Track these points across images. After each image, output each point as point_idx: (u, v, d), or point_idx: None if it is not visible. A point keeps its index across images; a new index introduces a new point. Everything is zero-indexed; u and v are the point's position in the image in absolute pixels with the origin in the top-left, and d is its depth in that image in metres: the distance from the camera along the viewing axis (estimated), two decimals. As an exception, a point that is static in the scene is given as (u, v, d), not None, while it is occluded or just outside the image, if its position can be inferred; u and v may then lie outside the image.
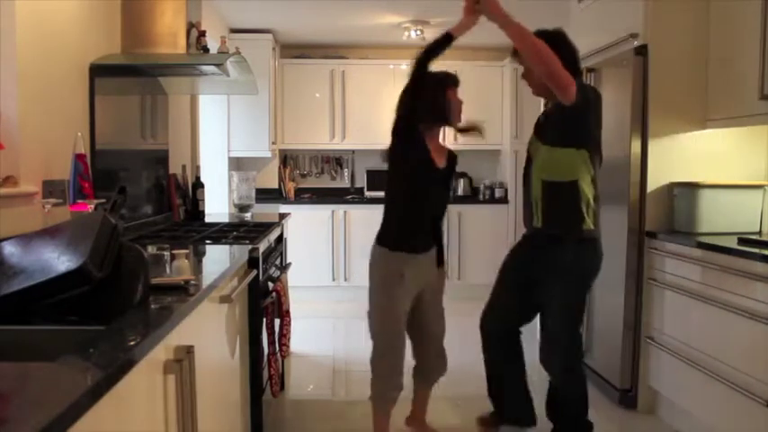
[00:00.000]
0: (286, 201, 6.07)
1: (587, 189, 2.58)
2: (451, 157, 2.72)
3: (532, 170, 2.69)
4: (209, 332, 1.93)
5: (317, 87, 6.23)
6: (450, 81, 2.62)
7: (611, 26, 3.55)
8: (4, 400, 0.94)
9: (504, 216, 6.07)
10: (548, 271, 2.66)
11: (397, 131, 2.56)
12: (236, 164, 5.82)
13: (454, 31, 2.58)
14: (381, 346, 2.67)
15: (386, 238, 2.63)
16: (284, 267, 3.47)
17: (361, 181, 6.49)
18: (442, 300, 2.83)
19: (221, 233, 2.96)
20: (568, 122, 2.56)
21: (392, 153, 2.60)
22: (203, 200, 3.71)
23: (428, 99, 2.55)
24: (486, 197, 6.28)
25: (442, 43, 2.55)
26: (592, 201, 2.59)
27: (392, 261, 2.61)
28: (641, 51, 3.21)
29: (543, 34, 2.63)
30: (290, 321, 3.09)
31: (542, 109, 3.01)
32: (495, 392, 2.95)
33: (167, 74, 3.30)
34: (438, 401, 3.41)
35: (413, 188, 2.60)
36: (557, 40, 2.60)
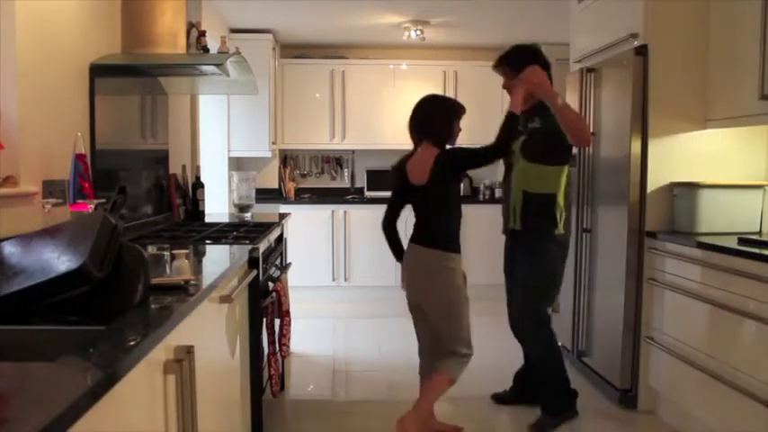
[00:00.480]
0: (286, 201, 6.07)
1: (562, 200, 3.00)
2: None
3: (513, 178, 3.08)
4: (209, 332, 1.93)
5: (317, 87, 6.23)
6: (462, 112, 2.90)
7: (611, 26, 3.55)
8: (4, 400, 0.94)
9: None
10: (522, 255, 3.10)
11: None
12: (236, 164, 5.82)
13: (514, 109, 2.80)
14: (468, 338, 2.86)
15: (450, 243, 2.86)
16: (284, 267, 3.47)
17: (361, 181, 6.49)
18: None
19: (221, 233, 2.96)
20: (554, 145, 2.95)
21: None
22: (203, 200, 3.71)
23: (443, 124, 2.84)
24: (486, 197, 6.29)
25: (513, 124, 2.80)
26: (564, 210, 3.01)
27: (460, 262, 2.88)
28: (641, 51, 3.21)
29: (531, 51, 3.05)
30: (290, 321, 3.09)
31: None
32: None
33: (167, 74, 3.30)
34: (439, 402, 3.41)
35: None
36: (539, 57, 3.01)
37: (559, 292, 3.24)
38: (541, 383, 3.18)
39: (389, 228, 2.98)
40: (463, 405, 3.37)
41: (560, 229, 3.00)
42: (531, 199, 3.01)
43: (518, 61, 2.98)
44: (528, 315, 3.11)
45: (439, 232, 2.83)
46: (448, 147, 2.86)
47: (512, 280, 3.23)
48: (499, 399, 3.41)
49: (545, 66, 2.99)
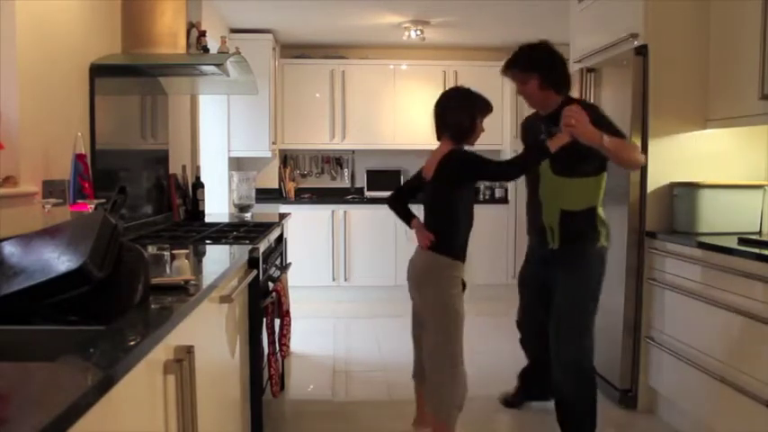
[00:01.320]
0: (286, 201, 6.07)
1: (601, 210, 2.74)
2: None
3: (544, 196, 2.80)
4: (209, 332, 1.93)
5: (317, 87, 6.23)
6: (487, 110, 2.71)
7: (611, 26, 3.55)
8: (4, 400, 0.94)
9: (505, 216, 6.07)
10: (565, 276, 2.77)
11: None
12: (236, 164, 5.82)
13: (552, 148, 2.51)
14: (460, 352, 2.65)
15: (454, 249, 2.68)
16: (284, 267, 3.47)
17: (362, 181, 6.49)
18: None
19: (221, 233, 2.96)
20: (584, 152, 2.57)
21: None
22: (203, 200, 3.71)
23: (462, 118, 2.66)
24: (487, 197, 6.28)
25: (541, 157, 2.61)
26: (606, 220, 2.75)
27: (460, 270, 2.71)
28: (641, 51, 3.21)
29: (541, 51, 2.72)
30: (290, 321, 3.09)
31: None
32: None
33: (167, 74, 3.30)
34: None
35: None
36: (552, 57, 2.72)
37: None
38: (568, 417, 2.85)
39: (393, 202, 2.92)
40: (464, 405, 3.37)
41: (603, 242, 2.73)
42: (567, 216, 2.73)
43: (529, 65, 2.70)
44: (576, 348, 2.76)
45: (439, 234, 2.66)
46: (466, 147, 2.70)
47: (547, 309, 2.86)
48: (508, 403, 3.34)
49: (560, 63, 2.72)
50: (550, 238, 2.79)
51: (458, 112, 2.66)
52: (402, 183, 2.84)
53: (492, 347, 4.09)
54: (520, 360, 3.38)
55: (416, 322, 2.80)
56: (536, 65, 2.69)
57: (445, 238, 2.66)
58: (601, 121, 2.57)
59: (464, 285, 2.70)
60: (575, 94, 3.84)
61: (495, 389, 3.44)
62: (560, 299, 2.78)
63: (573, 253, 2.76)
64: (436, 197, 2.72)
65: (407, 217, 2.88)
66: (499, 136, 6.20)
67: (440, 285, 2.62)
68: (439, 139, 2.73)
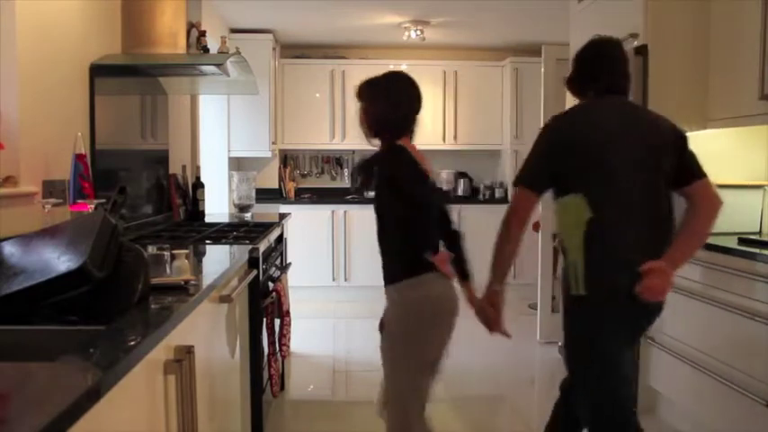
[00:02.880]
0: (286, 201, 6.07)
1: (573, 249, 2.11)
2: None
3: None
4: (209, 332, 1.93)
5: (317, 87, 6.23)
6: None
7: (610, 26, 3.54)
8: (4, 400, 0.94)
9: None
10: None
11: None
12: (237, 164, 5.82)
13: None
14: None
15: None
16: (284, 267, 3.47)
17: (362, 181, 6.48)
18: None
19: (221, 233, 2.96)
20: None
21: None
22: (203, 200, 3.71)
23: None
24: (486, 197, 6.28)
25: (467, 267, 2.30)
26: (583, 259, 2.05)
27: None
28: (641, 51, 3.21)
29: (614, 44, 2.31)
30: (290, 321, 3.09)
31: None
32: None
33: (167, 74, 3.30)
34: (439, 404, 3.41)
35: None
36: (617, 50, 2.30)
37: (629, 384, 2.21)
38: None
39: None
40: (462, 405, 3.37)
41: (578, 290, 2.05)
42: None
43: None
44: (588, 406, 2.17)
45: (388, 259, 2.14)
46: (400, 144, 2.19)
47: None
48: None
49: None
50: (573, 281, 2.10)
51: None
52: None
53: (488, 347, 4.08)
54: (516, 359, 3.37)
55: None
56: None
57: (398, 258, 2.15)
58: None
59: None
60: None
61: (492, 389, 3.44)
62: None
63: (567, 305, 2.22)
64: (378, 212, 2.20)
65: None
66: (499, 136, 6.21)
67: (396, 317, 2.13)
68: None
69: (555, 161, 2.10)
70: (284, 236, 3.66)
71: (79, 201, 2.20)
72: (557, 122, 2.20)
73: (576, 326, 2.15)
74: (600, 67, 2.23)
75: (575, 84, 2.29)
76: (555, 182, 2.12)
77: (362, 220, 5.84)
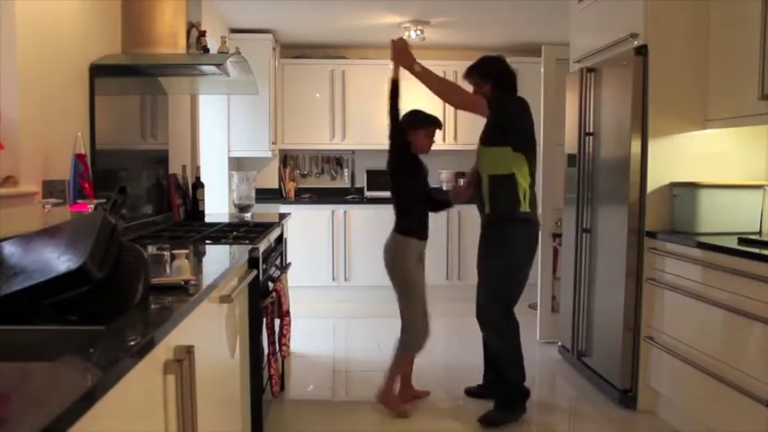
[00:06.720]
0: (286, 201, 6.07)
1: (523, 180, 3.09)
2: None
3: (481, 169, 3.23)
4: (209, 332, 1.93)
5: (317, 87, 6.23)
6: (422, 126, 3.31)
7: (611, 26, 3.55)
8: (4, 400, 0.94)
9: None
10: (488, 244, 3.20)
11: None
12: (236, 164, 5.82)
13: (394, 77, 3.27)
14: (422, 308, 3.24)
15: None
16: (284, 267, 3.47)
17: (361, 181, 6.48)
18: None
19: (221, 233, 2.96)
20: (498, 127, 3.14)
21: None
22: (203, 200, 3.71)
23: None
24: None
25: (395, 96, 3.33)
26: (528, 189, 3.11)
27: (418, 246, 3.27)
28: (641, 51, 3.21)
29: (496, 62, 3.42)
30: (290, 321, 3.09)
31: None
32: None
33: (167, 74, 3.30)
34: (439, 400, 3.41)
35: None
36: (502, 67, 3.36)
37: (528, 278, 3.23)
38: (498, 378, 3.23)
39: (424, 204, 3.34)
40: (463, 405, 3.37)
41: (525, 207, 3.08)
42: (493, 181, 3.12)
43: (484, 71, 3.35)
44: (494, 301, 3.16)
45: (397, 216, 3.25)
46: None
47: (481, 267, 3.27)
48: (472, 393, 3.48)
49: (510, 75, 3.33)
50: (486, 202, 3.19)
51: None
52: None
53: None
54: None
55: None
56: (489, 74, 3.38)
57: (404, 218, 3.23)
58: (502, 122, 3.15)
59: (421, 260, 3.25)
60: (575, 93, 3.85)
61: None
62: (486, 265, 3.22)
63: (497, 219, 3.16)
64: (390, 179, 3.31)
65: (440, 203, 3.46)
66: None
67: (395, 259, 3.20)
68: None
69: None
70: (284, 236, 3.66)
71: (79, 201, 2.20)
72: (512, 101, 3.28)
73: (524, 238, 3.15)
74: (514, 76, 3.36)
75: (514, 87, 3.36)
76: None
77: (362, 220, 5.84)
